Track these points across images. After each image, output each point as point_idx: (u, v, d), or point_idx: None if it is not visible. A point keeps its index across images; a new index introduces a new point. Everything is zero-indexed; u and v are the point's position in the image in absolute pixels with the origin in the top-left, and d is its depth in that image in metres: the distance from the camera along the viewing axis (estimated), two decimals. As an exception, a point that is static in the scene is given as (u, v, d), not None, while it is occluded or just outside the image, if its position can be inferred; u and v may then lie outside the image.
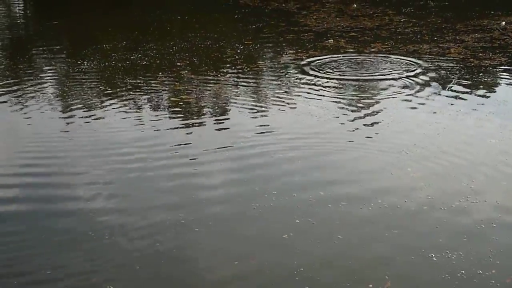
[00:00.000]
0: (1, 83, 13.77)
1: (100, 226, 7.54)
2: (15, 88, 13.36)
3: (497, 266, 6.60)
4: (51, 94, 12.87)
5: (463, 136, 10.28)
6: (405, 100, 12.03)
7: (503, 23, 18.61)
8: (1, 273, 6.63)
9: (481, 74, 13.74)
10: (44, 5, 26.15)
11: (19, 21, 24.20)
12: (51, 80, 13.99)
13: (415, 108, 11.60)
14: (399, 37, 17.47)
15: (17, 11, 26.34)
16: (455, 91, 12.58)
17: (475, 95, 12.42)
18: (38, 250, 7.05)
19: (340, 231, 7.36)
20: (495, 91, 12.75)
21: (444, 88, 12.76)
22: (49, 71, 14.81)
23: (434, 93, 12.48)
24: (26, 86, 13.55)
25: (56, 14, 23.85)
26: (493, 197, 8.05)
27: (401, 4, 22.27)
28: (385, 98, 12.12)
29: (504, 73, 13.87)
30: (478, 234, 7.24)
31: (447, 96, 12.27)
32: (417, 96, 12.19)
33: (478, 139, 10.19)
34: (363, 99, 12.14)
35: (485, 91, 12.69)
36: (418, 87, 12.77)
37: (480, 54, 15.24)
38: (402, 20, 19.77)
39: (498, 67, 14.22)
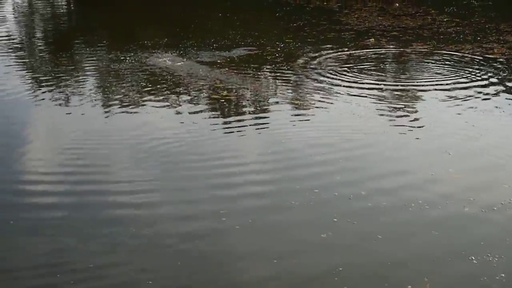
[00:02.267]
0: (43, 78, 13.93)
1: (141, 223, 7.58)
2: (57, 83, 13.50)
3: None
4: (92, 89, 12.97)
5: (508, 138, 10.15)
6: (448, 100, 11.90)
7: (548, 23, 18.37)
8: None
9: (525, 75, 13.57)
10: (87, 0, 26.39)
11: (62, 15, 24.44)
12: (92, 76, 14.12)
13: (457, 108, 11.47)
14: (441, 37, 17.31)
15: (60, 4, 26.60)
16: (498, 92, 12.42)
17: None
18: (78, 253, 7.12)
19: (380, 231, 7.31)
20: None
21: (488, 89, 12.60)
22: (91, 66, 14.94)
23: (478, 94, 12.33)
24: (68, 81, 13.67)
25: (98, 8, 24.05)
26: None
27: (444, 4, 22.04)
28: (428, 100, 11.99)
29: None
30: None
31: (490, 98, 12.11)
32: (460, 98, 12.06)
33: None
34: (406, 98, 12.04)
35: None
36: (462, 89, 12.64)
37: (524, 54, 15.05)
38: (444, 19, 19.57)
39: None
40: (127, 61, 15.02)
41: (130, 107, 11.81)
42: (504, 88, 12.67)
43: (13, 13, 23.59)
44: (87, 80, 13.66)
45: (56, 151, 9.79)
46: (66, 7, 26.40)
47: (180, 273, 6.59)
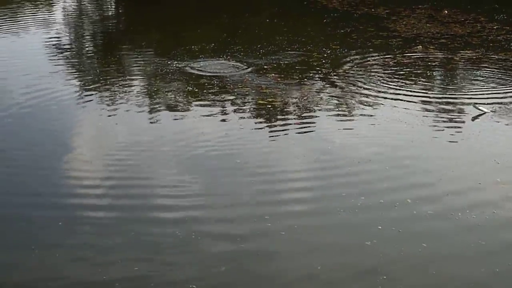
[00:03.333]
0: (91, 82, 14.09)
1: (184, 225, 7.63)
2: (105, 87, 13.64)
3: None
4: (139, 94, 13.07)
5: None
6: (494, 111, 11.76)
7: None
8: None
9: None
10: (136, 4, 26.61)
11: (110, 18, 24.69)
12: (139, 80, 14.21)
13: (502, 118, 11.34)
14: (491, 44, 17.09)
15: (109, 7, 26.88)
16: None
17: None
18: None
19: (424, 240, 7.25)
20: None
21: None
22: (138, 71, 15.05)
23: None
24: (116, 85, 13.80)
25: (147, 12, 24.24)
26: None
27: (494, 11, 21.75)
28: (473, 109, 11.86)
29: None
30: None
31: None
32: (508, 108, 11.92)
33: None
34: (453, 107, 11.93)
35: None
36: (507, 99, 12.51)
37: None
38: (494, 27, 19.32)
39: None
40: (174, 65, 15.11)
41: (177, 112, 11.89)
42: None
43: (63, 16, 23.92)
44: (134, 84, 13.76)
45: (102, 156, 9.89)
46: (114, 10, 26.66)
47: (220, 275, 6.63)
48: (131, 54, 17.25)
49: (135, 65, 15.72)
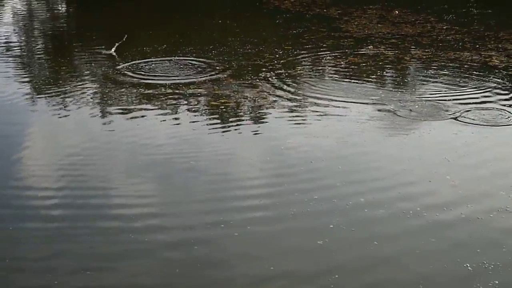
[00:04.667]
0: (42, 85, 13.92)
1: (136, 230, 7.58)
2: (56, 89, 13.49)
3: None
4: (91, 97, 12.94)
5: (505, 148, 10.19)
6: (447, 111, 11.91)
7: (547, 31, 18.36)
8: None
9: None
10: (87, 4, 26.38)
11: (60, 18, 24.43)
12: (91, 82, 14.07)
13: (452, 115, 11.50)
14: (440, 44, 17.31)
15: (60, 8, 26.57)
16: (495, 100, 12.44)
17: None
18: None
19: (376, 238, 7.31)
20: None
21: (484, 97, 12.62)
22: (89, 73, 14.91)
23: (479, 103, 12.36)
24: (67, 87, 13.66)
25: (98, 13, 24.05)
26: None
27: (443, 12, 22.04)
28: (426, 108, 12.00)
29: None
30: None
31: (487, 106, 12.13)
32: (456, 107, 12.08)
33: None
34: (402, 105, 12.04)
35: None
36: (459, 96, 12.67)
37: (523, 62, 15.06)
38: (444, 27, 19.57)
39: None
40: (125, 67, 15.01)
41: (129, 114, 11.80)
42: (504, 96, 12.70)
43: (12, 16, 23.61)
44: (86, 87, 13.63)
45: (52, 160, 9.77)
46: (65, 10, 26.39)
47: (175, 280, 6.60)
48: (82, 55, 17.09)
49: (86, 67, 15.58)
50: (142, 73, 14.53)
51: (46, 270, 6.73)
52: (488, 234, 7.39)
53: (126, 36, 17.00)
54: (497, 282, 6.40)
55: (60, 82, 14.22)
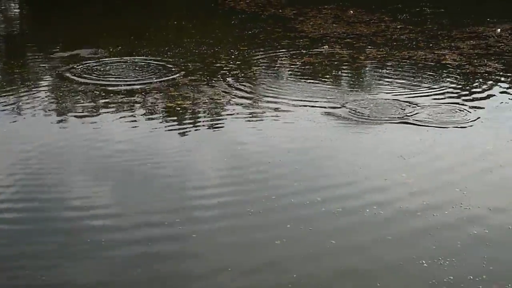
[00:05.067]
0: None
1: (95, 233, 7.53)
2: (9, 93, 13.33)
3: (489, 272, 6.61)
4: (45, 100, 12.80)
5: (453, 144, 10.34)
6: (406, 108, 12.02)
7: (499, 30, 18.63)
8: None
9: (476, 80, 13.75)
10: (40, 6, 26.08)
11: (13, 19, 24.16)
12: (45, 85, 13.92)
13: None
14: (395, 43, 17.47)
15: (13, 13, 26.23)
16: (447, 98, 12.59)
17: (471, 101, 12.42)
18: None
19: (333, 237, 7.35)
20: (490, 97, 12.72)
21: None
22: (44, 75, 14.75)
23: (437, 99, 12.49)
24: (21, 91, 13.50)
25: (52, 14, 23.83)
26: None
27: (397, 11, 22.25)
28: (385, 105, 12.10)
29: (500, 79, 13.88)
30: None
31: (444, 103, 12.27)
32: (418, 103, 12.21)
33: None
34: (357, 105, 12.12)
35: (481, 97, 12.70)
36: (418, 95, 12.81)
37: (475, 61, 15.24)
38: (398, 26, 19.76)
39: (492, 73, 14.22)
40: (80, 69, 14.88)
41: (85, 117, 11.69)
42: (460, 94, 12.86)
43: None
44: (40, 90, 13.49)
45: (7, 165, 9.64)
46: (18, 11, 26.11)
47: (136, 278, 6.58)
48: (35, 58, 16.90)
49: (40, 69, 15.40)
50: (97, 75, 14.41)
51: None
52: (442, 229, 7.48)
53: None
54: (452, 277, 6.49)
55: (13, 85, 14.05)
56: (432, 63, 15.25)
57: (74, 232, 7.50)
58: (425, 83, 13.62)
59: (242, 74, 14.47)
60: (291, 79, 14.35)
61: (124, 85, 13.63)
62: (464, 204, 8.02)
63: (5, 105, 12.36)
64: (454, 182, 8.72)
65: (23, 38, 21.02)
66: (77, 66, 15.15)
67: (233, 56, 16.15)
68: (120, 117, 11.60)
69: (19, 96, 13.04)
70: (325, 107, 11.97)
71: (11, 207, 8.20)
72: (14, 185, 8.82)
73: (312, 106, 12.03)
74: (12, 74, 15.03)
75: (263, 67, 15.49)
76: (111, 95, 12.93)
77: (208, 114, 11.86)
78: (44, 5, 26.30)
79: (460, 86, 13.37)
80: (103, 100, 12.61)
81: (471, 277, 6.48)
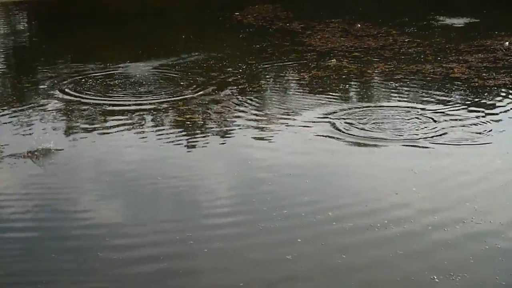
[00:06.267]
0: (5, 102, 13.79)
1: (107, 244, 7.54)
2: (19, 107, 13.36)
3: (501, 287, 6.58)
4: (56, 114, 12.83)
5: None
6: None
7: (507, 43, 18.61)
8: None
9: (485, 94, 13.72)
10: (49, 21, 26.21)
11: (23, 32, 24.25)
12: (55, 99, 13.91)
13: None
14: (402, 57, 17.46)
15: (22, 28, 26.32)
16: (458, 111, 12.56)
17: (482, 114, 12.38)
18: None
19: (344, 252, 7.33)
20: (500, 111, 12.67)
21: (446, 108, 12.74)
22: (53, 89, 14.73)
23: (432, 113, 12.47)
24: (31, 105, 13.53)
25: (61, 28, 23.93)
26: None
27: (405, 25, 22.27)
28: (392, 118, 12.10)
29: (510, 92, 13.84)
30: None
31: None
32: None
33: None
34: (368, 118, 12.11)
35: (491, 111, 12.66)
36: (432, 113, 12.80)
37: (484, 74, 15.22)
38: (406, 40, 19.77)
39: (502, 87, 14.19)
40: (89, 83, 14.93)
41: (95, 131, 11.69)
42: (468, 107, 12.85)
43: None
44: (50, 103, 13.52)
45: (21, 179, 9.67)
46: (27, 26, 26.21)
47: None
48: (45, 71, 16.92)
49: (49, 83, 15.41)
50: (105, 89, 14.45)
51: None
52: (454, 244, 7.45)
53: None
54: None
55: (23, 98, 14.09)
56: (440, 77, 15.23)
57: (87, 249, 7.50)
58: (433, 97, 13.59)
59: (250, 88, 14.48)
60: (299, 92, 14.36)
61: (132, 99, 13.65)
62: (476, 219, 7.98)
63: (17, 121, 12.39)
64: (465, 197, 8.69)
65: (32, 52, 21.09)
66: (85, 80, 15.19)
67: (241, 70, 16.17)
68: (130, 132, 11.61)
69: (30, 111, 13.05)
70: (334, 122, 11.94)
71: (28, 226, 8.22)
72: (28, 202, 8.85)
73: (321, 121, 12.01)
74: (22, 88, 15.07)
75: (271, 80, 15.51)
76: (122, 109, 12.95)
77: (217, 128, 11.86)
78: (52, 18, 26.40)
79: (469, 100, 13.32)
80: (112, 114, 12.63)
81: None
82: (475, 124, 11.73)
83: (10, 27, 25.22)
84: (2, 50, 20.83)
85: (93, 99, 13.68)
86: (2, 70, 18.01)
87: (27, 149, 10.48)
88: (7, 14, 27.63)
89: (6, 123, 12.29)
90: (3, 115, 12.80)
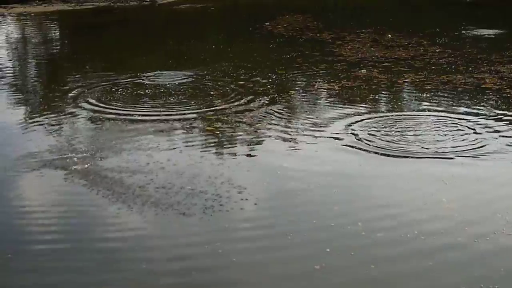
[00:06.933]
0: (36, 110, 13.93)
1: (134, 256, 7.55)
2: (50, 115, 13.47)
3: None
4: (85, 123, 12.91)
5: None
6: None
7: (539, 54, 18.43)
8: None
9: (517, 105, 13.62)
10: (80, 30, 26.43)
11: (54, 44, 24.45)
12: (85, 109, 13.97)
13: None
14: (433, 67, 17.36)
15: (54, 37, 26.56)
16: (490, 121, 12.45)
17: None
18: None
19: (374, 262, 7.28)
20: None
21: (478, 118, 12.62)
22: (84, 98, 14.80)
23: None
24: (61, 113, 13.63)
25: (92, 40, 24.11)
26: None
27: (436, 35, 22.13)
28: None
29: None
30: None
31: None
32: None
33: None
34: (398, 129, 12.04)
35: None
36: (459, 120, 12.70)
37: (517, 85, 15.10)
38: (437, 50, 19.65)
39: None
40: (119, 93, 15.01)
41: (124, 142, 11.67)
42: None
43: (5, 41, 23.71)
44: (80, 112, 13.60)
45: (49, 189, 9.74)
46: (59, 36, 26.44)
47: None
48: (76, 80, 17.04)
49: (80, 92, 15.50)
50: (136, 98, 14.53)
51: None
52: (484, 256, 7.38)
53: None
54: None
55: (53, 107, 14.21)
56: (471, 87, 15.11)
57: (114, 262, 7.52)
58: (465, 108, 13.49)
59: (280, 98, 14.47)
60: (329, 103, 14.33)
61: (162, 109, 13.70)
62: (506, 231, 7.90)
63: (47, 128, 12.49)
64: (497, 210, 8.60)
65: (63, 61, 21.27)
66: (115, 89, 15.28)
67: (271, 80, 16.17)
68: (159, 141, 11.63)
69: (60, 119, 13.15)
70: (365, 133, 11.88)
71: (56, 238, 8.28)
72: (56, 212, 8.91)
73: (350, 132, 11.96)
74: (53, 97, 15.21)
75: (301, 90, 15.49)
76: (150, 119, 12.99)
77: (246, 138, 11.86)
78: (84, 29, 26.62)
79: (502, 112, 13.19)
80: (142, 124, 12.67)
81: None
82: (507, 137, 11.60)
83: (42, 37, 25.42)
84: (34, 59, 21.04)
85: (122, 109, 13.73)
86: (34, 78, 18.22)
87: (57, 157, 10.55)
88: (39, 24, 27.88)
89: (36, 131, 12.38)
90: (34, 123, 12.91)
